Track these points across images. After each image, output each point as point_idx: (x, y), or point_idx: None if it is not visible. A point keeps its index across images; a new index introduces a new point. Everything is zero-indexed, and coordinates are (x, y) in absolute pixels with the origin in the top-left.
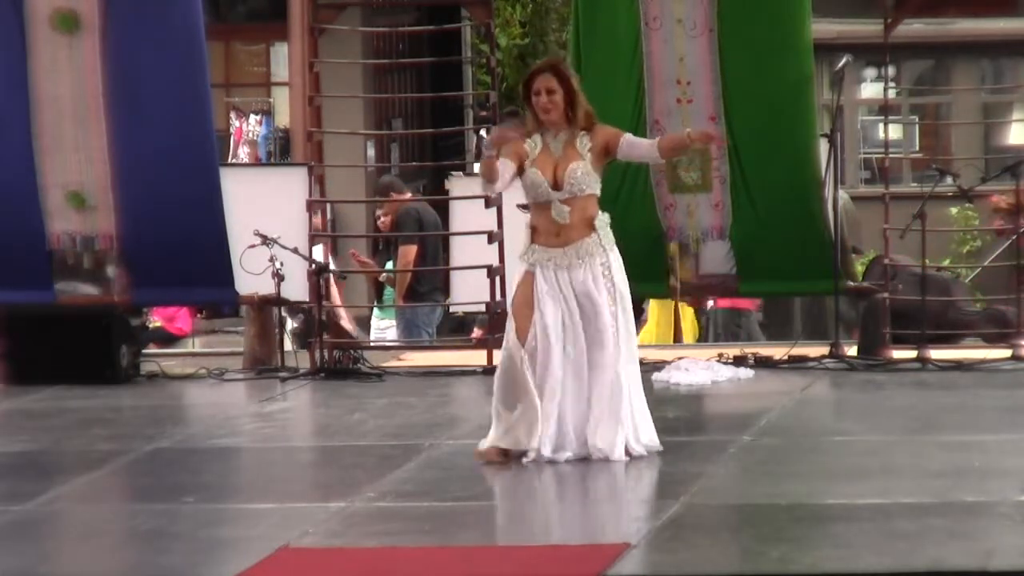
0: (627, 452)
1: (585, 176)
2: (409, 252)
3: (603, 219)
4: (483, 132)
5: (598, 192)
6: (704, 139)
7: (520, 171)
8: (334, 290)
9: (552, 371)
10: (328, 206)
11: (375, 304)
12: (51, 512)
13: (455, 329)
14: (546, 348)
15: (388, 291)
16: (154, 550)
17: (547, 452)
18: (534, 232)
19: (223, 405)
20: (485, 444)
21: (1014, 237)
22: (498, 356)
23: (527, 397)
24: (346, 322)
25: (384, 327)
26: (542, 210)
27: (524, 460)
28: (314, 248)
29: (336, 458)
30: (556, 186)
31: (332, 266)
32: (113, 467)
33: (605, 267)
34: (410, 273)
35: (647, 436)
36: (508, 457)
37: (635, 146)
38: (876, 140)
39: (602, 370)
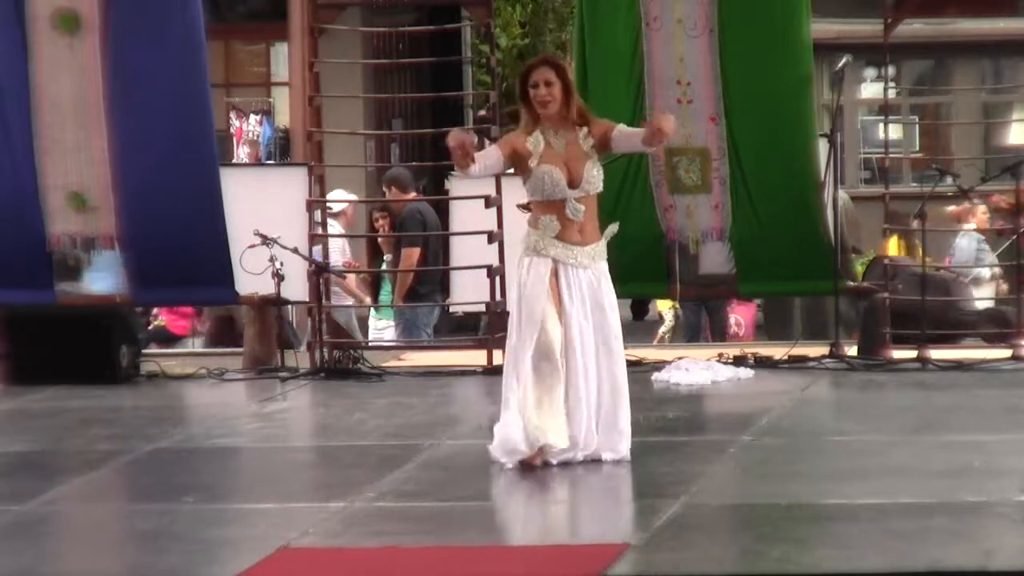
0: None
1: (599, 175)
2: (413, 254)
3: (609, 228)
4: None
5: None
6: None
7: (513, 164)
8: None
9: (574, 371)
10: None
11: (372, 304)
12: (51, 512)
13: (455, 329)
14: (568, 350)
15: (385, 292)
16: (154, 550)
17: (573, 453)
18: (560, 228)
19: (223, 405)
20: (521, 446)
21: (1014, 237)
22: (498, 356)
23: (556, 394)
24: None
25: (381, 327)
26: (553, 208)
27: (550, 459)
28: None
29: (336, 458)
30: (572, 184)
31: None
32: (113, 467)
33: (606, 272)
34: (412, 274)
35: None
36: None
37: (627, 136)
38: (876, 140)
39: (610, 374)
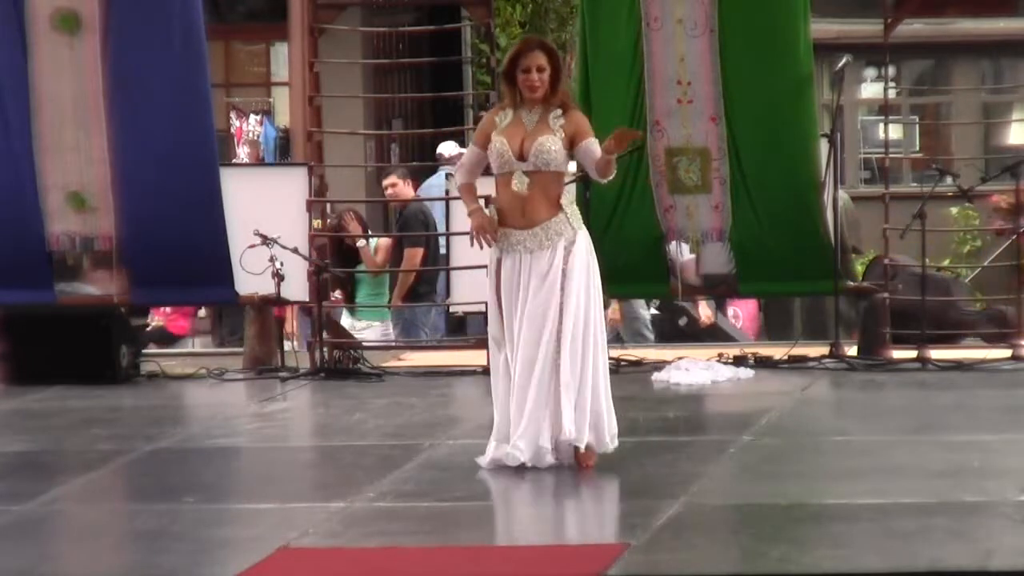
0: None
1: (557, 153)
2: (416, 255)
3: (568, 197)
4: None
5: (566, 172)
6: (618, 145)
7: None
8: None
9: (518, 371)
10: (327, 206)
11: (346, 305)
12: (51, 512)
13: (455, 329)
14: (513, 347)
15: (362, 294)
16: (154, 550)
17: (524, 457)
18: (500, 214)
19: (223, 405)
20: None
21: (1014, 237)
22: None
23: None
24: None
25: (360, 328)
26: (504, 183)
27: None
28: None
29: (336, 458)
30: (521, 156)
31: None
32: (113, 467)
33: (568, 250)
34: (413, 275)
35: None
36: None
37: (589, 154)
38: (876, 140)
39: (532, 363)
